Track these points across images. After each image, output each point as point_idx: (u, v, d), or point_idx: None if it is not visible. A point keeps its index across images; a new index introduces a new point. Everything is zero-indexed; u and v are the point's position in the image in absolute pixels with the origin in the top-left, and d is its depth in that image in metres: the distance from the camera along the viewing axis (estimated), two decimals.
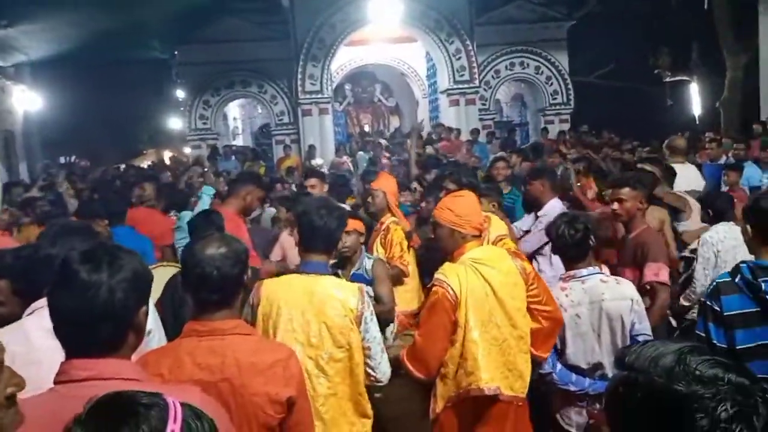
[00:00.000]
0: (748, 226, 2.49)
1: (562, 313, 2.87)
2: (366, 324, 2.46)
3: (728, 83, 14.31)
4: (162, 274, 3.19)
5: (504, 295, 2.74)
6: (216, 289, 1.87)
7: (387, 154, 12.89)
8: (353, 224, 3.58)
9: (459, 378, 2.72)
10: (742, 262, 2.44)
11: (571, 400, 2.94)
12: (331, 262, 3.68)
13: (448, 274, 2.73)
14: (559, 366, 2.92)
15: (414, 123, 11.64)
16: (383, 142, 15.08)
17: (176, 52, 16.36)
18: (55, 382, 1.41)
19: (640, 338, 2.84)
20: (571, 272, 2.95)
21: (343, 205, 5.44)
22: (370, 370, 2.49)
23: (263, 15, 15.63)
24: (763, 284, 2.32)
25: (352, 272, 3.65)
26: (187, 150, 15.44)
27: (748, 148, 8.14)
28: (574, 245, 2.91)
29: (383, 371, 2.52)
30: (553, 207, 4.68)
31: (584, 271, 2.92)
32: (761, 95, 10.85)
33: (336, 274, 3.57)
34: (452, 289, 2.68)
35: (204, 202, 4.79)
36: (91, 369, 1.40)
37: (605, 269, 3.23)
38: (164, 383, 1.74)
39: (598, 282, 2.90)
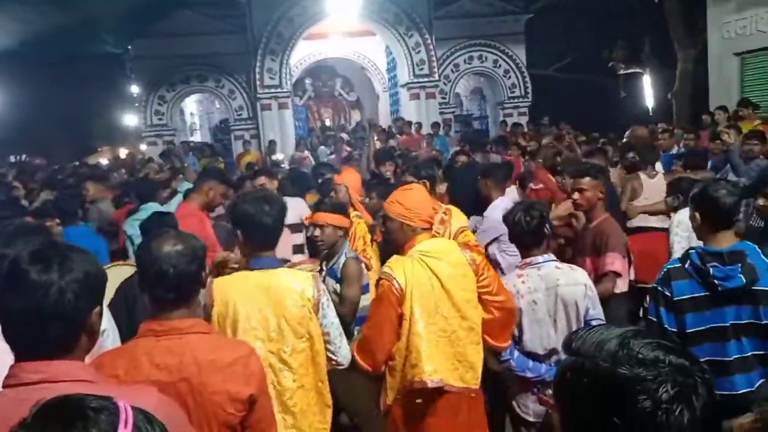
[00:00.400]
0: (696, 213, 2.58)
1: (519, 299, 2.92)
2: (323, 310, 2.50)
3: (679, 75, 14.71)
4: (116, 274, 3.12)
5: (452, 287, 2.76)
6: (172, 287, 1.84)
7: (348, 149, 12.86)
8: (328, 218, 3.57)
9: (405, 370, 2.74)
10: (691, 248, 2.53)
11: (528, 387, 2.99)
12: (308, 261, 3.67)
13: (393, 267, 2.76)
14: (516, 353, 2.97)
15: (369, 118, 11.67)
16: (344, 136, 15.05)
17: (129, 47, 15.98)
18: (4, 386, 1.37)
19: (594, 323, 2.91)
20: (527, 260, 3.01)
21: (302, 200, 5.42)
22: (331, 355, 2.53)
23: (219, 8, 15.39)
24: (711, 269, 2.41)
25: (329, 266, 3.64)
26: (143, 147, 15.09)
27: (698, 138, 8.38)
28: (530, 232, 2.97)
29: (344, 354, 2.57)
30: (496, 207, 4.61)
31: (540, 258, 2.98)
32: (710, 87, 11.18)
33: (321, 268, 3.58)
34: (397, 282, 2.70)
35: (178, 199, 4.77)
36: (42, 371, 1.37)
37: None
38: (120, 384, 1.71)
39: (553, 269, 2.97)
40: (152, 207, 4.92)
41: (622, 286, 3.61)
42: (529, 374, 2.94)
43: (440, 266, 2.76)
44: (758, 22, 9.78)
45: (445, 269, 2.76)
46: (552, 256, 3.05)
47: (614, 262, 3.53)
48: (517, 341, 2.99)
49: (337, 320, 2.58)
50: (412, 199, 2.88)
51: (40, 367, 1.37)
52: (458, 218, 4.14)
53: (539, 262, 2.97)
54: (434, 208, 3.09)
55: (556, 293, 2.90)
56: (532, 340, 2.94)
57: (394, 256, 2.86)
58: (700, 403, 0.92)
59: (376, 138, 9.76)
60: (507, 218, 3.09)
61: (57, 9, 11.59)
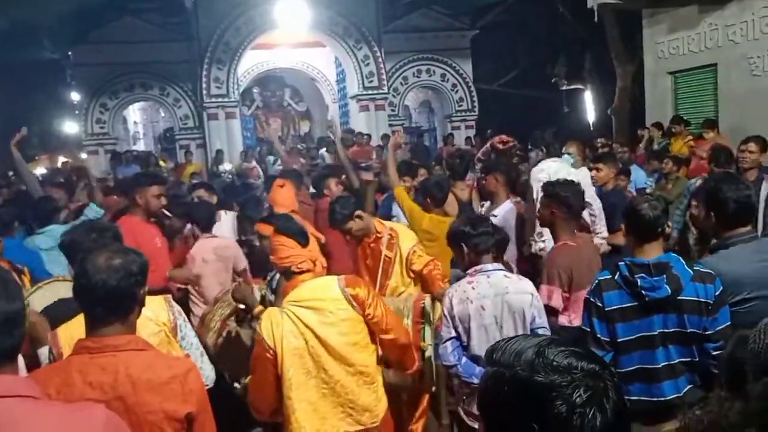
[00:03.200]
0: (625, 227, 2.70)
1: (468, 304, 2.95)
2: (182, 331, 2.47)
3: (618, 92, 15.26)
4: (60, 288, 2.98)
5: (328, 336, 2.61)
6: (103, 302, 1.82)
7: (302, 160, 12.76)
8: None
9: (286, 428, 2.66)
10: (620, 260, 2.64)
11: (474, 394, 3.01)
12: None
13: (263, 326, 2.61)
14: (464, 359, 3.00)
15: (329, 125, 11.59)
16: (300, 147, 14.94)
17: (70, 53, 15.50)
18: None
19: (540, 332, 2.99)
20: (477, 267, 3.07)
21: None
22: None
23: (164, 15, 15.13)
24: (639, 280, 2.51)
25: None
26: (84, 155, 14.61)
27: (633, 152, 8.74)
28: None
29: (206, 375, 2.46)
30: (505, 209, 4.77)
31: (489, 266, 3.06)
32: (646, 104, 11.64)
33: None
34: (268, 345, 2.57)
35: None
36: None
37: None
38: (66, 402, 1.67)
39: (502, 277, 3.05)
40: (54, 231, 4.39)
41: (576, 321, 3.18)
42: (475, 380, 2.94)
43: (311, 317, 2.60)
44: (690, 43, 10.26)
45: (318, 318, 2.61)
46: (500, 266, 3.13)
47: (549, 296, 3.24)
48: (465, 347, 3.02)
49: (196, 340, 2.54)
50: (274, 241, 2.80)
51: None
52: (407, 237, 4.02)
53: (489, 270, 3.05)
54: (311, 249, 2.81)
55: (504, 300, 2.97)
56: (479, 345, 2.98)
57: (267, 310, 2.75)
58: (610, 405, 0.99)
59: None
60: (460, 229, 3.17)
61: None
